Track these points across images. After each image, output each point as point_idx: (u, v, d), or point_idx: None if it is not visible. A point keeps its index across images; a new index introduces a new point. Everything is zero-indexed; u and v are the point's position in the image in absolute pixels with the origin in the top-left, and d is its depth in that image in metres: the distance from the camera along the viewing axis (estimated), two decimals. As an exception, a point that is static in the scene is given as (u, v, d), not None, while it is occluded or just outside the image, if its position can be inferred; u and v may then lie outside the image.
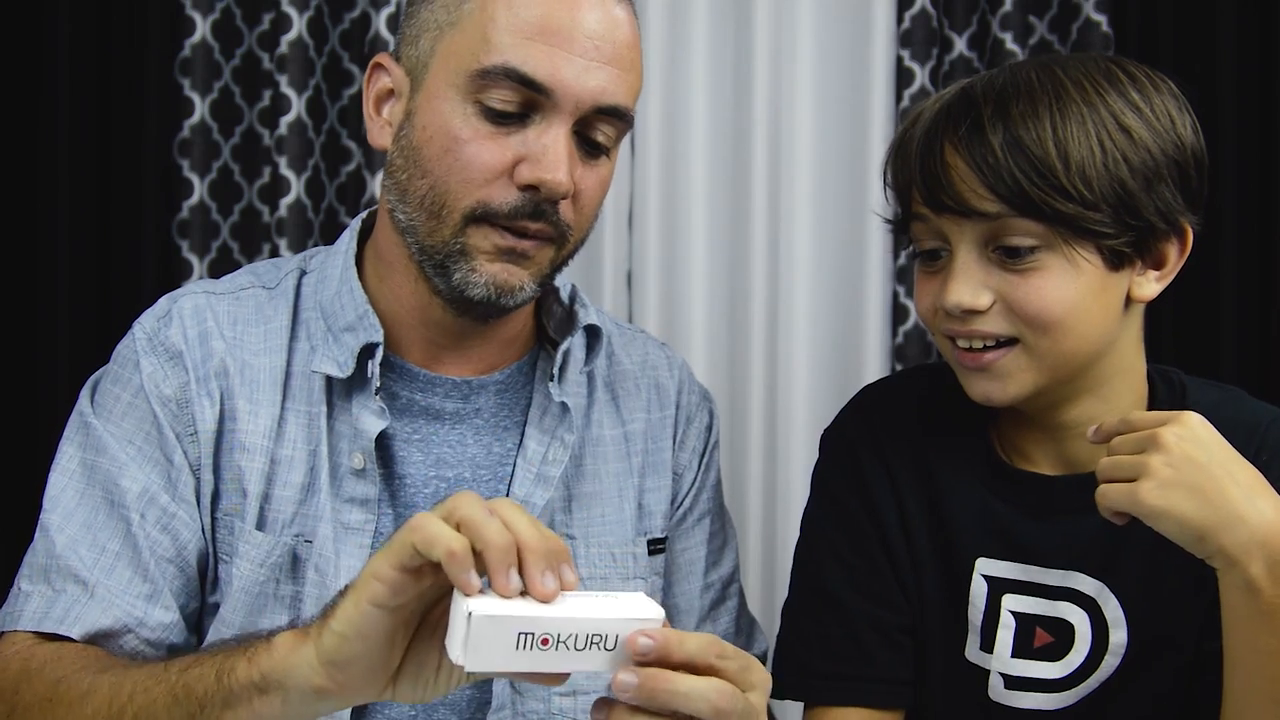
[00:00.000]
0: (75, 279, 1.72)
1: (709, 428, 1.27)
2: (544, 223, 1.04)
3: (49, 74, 1.72)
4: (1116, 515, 0.97)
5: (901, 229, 1.12)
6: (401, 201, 1.07)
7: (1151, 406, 1.12)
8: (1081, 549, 1.08)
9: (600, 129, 1.05)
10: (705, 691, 0.75)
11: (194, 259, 1.75)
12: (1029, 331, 1.03)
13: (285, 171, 1.74)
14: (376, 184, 1.72)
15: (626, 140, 1.78)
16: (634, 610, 0.77)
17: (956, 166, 1.02)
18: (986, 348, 1.05)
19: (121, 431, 1.07)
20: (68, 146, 1.72)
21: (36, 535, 1.07)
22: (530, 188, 1.02)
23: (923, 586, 1.12)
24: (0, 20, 1.72)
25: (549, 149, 1.01)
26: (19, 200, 1.73)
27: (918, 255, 1.10)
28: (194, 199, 1.75)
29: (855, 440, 1.17)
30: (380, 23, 1.72)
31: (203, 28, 1.75)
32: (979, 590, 1.10)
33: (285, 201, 1.74)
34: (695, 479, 1.24)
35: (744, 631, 1.27)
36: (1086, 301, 1.02)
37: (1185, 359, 1.63)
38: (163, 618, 1.04)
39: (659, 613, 0.78)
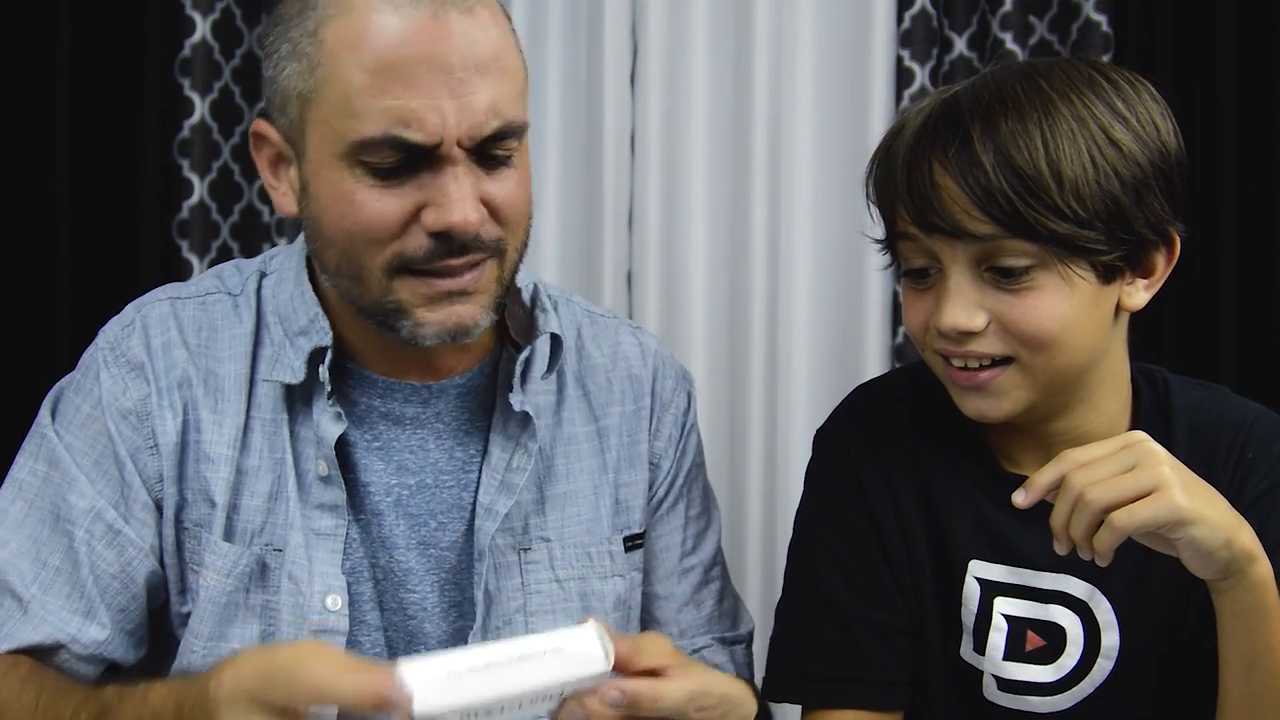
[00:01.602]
0: (75, 279, 1.73)
1: (685, 411, 1.25)
2: (469, 254, 1.01)
3: (49, 74, 1.72)
4: (1104, 556, 0.95)
5: (888, 246, 1.11)
6: (324, 270, 1.06)
7: (1135, 409, 1.12)
8: (1072, 553, 1.07)
9: (496, 147, 1.00)
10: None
11: (194, 259, 1.75)
12: (1024, 350, 1.02)
13: (285, 171, 1.73)
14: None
15: (626, 140, 1.79)
16: (578, 667, 0.79)
17: (947, 187, 1.00)
18: (981, 366, 1.04)
19: (77, 444, 1.07)
20: (68, 146, 1.72)
21: None
22: (440, 233, 0.99)
23: (919, 587, 1.12)
24: (0, 20, 1.72)
25: (448, 189, 0.98)
26: (19, 199, 1.73)
27: (905, 273, 1.08)
28: (194, 199, 1.75)
29: (850, 442, 1.16)
30: (380, 23, 1.71)
31: (203, 28, 1.75)
32: (971, 592, 1.10)
33: (285, 201, 1.74)
34: (671, 465, 1.23)
35: (728, 614, 1.27)
36: (1081, 317, 1.02)
37: (1185, 359, 1.63)
38: (97, 635, 1.05)
39: (603, 663, 0.80)
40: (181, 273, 1.75)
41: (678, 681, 0.81)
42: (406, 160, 0.97)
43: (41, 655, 1.04)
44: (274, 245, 1.74)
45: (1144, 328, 1.64)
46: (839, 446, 1.17)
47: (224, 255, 1.78)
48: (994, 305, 1.02)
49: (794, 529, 1.20)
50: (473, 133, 0.98)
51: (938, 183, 1.01)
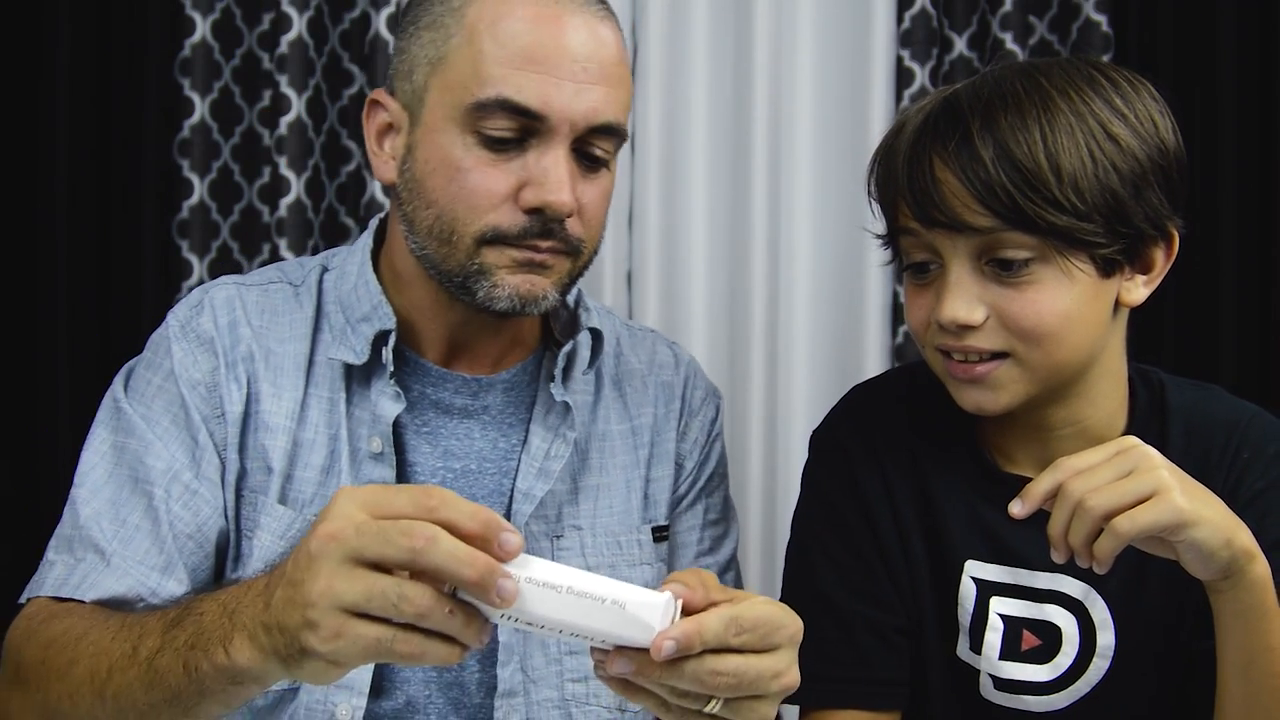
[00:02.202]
0: (75, 279, 1.72)
1: (713, 421, 1.31)
2: (554, 240, 1.08)
3: (49, 74, 1.72)
4: (1104, 563, 0.94)
5: (889, 242, 1.11)
6: (411, 232, 1.11)
7: (1131, 408, 1.12)
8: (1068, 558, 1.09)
9: (597, 145, 1.09)
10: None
11: (194, 259, 1.75)
12: (1022, 345, 1.03)
13: (285, 171, 1.74)
14: (377, 184, 1.72)
15: (626, 140, 1.79)
16: (625, 629, 0.77)
17: (947, 181, 1.01)
18: (980, 359, 1.04)
19: (150, 413, 1.11)
20: (68, 146, 1.72)
21: (65, 509, 1.11)
22: (536, 210, 1.06)
23: (916, 586, 1.12)
24: (0, 20, 1.72)
25: (550, 171, 1.05)
26: (19, 200, 1.73)
27: (907, 268, 1.09)
28: (194, 199, 1.75)
29: (847, 441, 1.17)
30: (380, 23, 1.72)
31: (203, 28, 1.75)
32: (968, 593, 1.11)
33: (285, 201, 1.74)
34: (694, 467, 1.27)
35: None
36: (1080, 311, 1.02)
37: (1185, 360, 1.63)
38: (174, 590, 1.06)
39: (653, 636, 0.78)
40: (181, 273, 1.75)
41: (714, 611, 0.80)
42: (518, 133, 1.05)
43: (122, 607, 1.05)
44: (274, 246, 1.74)
45: (1144, 327, 1.65)
46: (835, 447, 1.18)
47: (224, 255, 1.78)
48: (994, 299, 1.02)
49: (791, 530, 1.20)
50: (586, 118, 1.06)
51: (938, 177, 1.01)
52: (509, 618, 0.76)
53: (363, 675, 1.08)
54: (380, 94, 1.13)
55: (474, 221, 1.06)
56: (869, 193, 1.12)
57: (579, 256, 1.12)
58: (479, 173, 1.05)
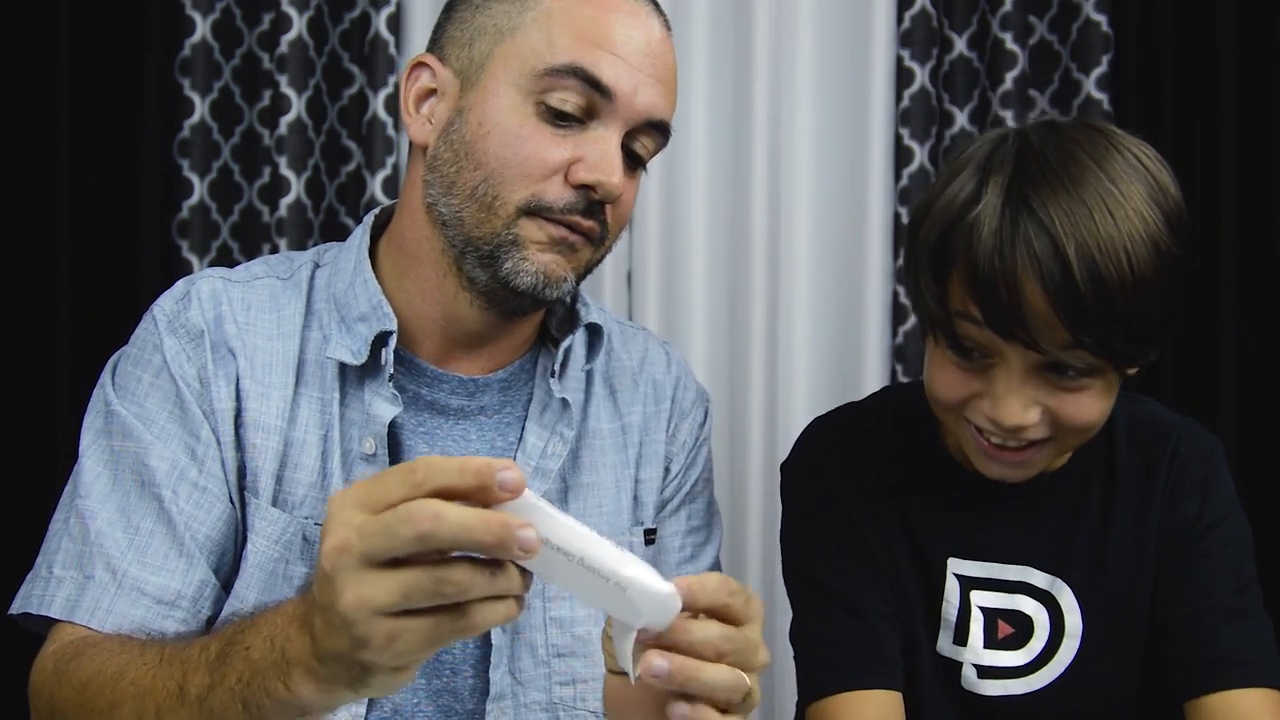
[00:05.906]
0: (75, 279, 1.73)
1: (701, 424, 1.30)
2: (593, 220, 1.09)
3: (49, 74, 1.72)
4: None
5: (922, 302, 1.08)
6: (448, 194, 1.09)
7: None
8: (1034, 546, 1.15)
9: (643, 142, 1.11)
10: (726, 683, 0.77)
11: (194, 259, 1.75)
12: (1064, 433, 1.06)
13: (285, 171, 1.74)
14: (377, 184, 1.72)
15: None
16: (620, 611, 0.74)
17: (1039, 308, 0.98)
18: (1019, 445, 1.07)
19: (145, 412, 1.08)
20: (68, 146, 1.72)
21: (71, 520, 1.07)
22: (584, 187, 1.07)
23: (904, 587, 1.17)
24: (0, 20, 1.72)
25: (606, 152, 1.07)
26: (19, 200, 1.73)
27: (946, 341, 1.06)
28: (194, 199, 1.75)
29: (820, 461, 1.21)
30: (380, 23, 1.72)
31: (203, 28, 1.75)
32: (952, 588, 1.16)
33: (285, 201, 1.74)
34: (680, 470, 1.27)
35: None
36: (1113, 399, 1.08)
37: (1185, 364, 1.63)
38: (203, 578, 1.05)
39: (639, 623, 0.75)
40: (181, 273, 1.74)
41: (710, 574, 0.78)
42: (581, 109, 1.07)
43: (139, 632, 1.02)
44: (274, 245, 1.74)
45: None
46: (809, 468, 1.22)
47: (224, 255, 1.78)
48: (1047, 400, 1.04)
49: (784, 553, 1.23)
50: (648, 108, 1.09)
51: (1030, 302, 0.99)
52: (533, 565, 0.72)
53: None
54: (429, 58, 1.13)
55: (521, 189, 1.06)
56: (913, 256, 1.08)
57: (600, 246, 1.12)
58: (535, 141, 1.06)
